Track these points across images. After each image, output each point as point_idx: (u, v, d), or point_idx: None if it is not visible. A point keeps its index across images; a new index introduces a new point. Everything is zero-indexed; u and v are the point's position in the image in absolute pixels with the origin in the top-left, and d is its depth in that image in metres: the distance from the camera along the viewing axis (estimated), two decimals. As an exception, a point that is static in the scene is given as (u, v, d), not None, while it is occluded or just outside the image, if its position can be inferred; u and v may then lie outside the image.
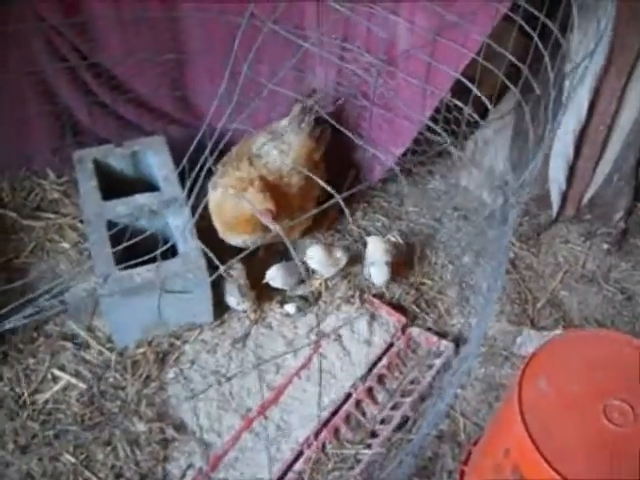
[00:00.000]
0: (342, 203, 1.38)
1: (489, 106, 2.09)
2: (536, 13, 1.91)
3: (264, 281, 2.78)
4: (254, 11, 2.97)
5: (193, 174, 1.84)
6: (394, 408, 2.49)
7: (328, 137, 3.00)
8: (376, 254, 2.86)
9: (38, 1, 2.73)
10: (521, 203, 1.64)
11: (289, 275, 2.82)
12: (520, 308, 2.85)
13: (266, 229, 2.66)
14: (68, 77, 3.00)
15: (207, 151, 1.78)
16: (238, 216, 2.70)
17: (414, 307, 2.84)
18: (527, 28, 1.96)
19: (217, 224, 2.82)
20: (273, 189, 2.69)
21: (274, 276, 2.78)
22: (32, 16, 2.75)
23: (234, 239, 2.80)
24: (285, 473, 2.30)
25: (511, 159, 3.23)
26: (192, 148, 1.89)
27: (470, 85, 2.15)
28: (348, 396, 2.51)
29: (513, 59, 1.90)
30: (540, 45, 1.85)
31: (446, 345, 2.65)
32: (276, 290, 2.84)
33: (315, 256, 2.81)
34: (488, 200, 3.25)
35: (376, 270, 2.85)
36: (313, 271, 2.88)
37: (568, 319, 2.83)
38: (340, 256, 2.86)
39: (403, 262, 2.99)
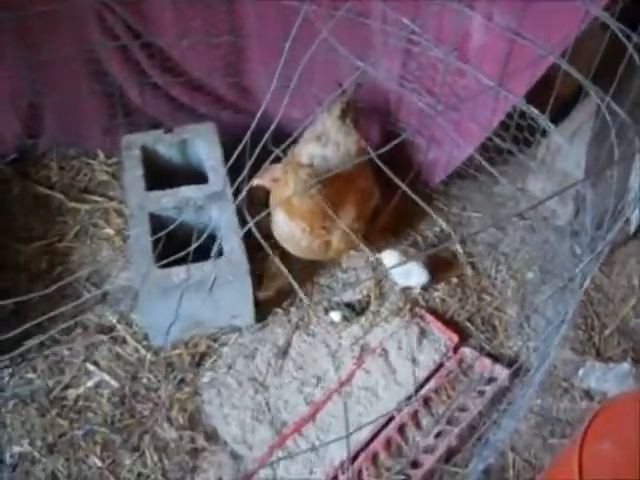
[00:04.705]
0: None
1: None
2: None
3: None
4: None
5: (243, 167, 1.67)
6: (439, 436, 2.31)
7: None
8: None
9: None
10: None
11: None
12: (585, 335, 2.60)
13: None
14: (120, 56, 2.87)
15: (247, 137, 1.57)
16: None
17: (469, 324, 2.63)
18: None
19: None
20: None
21: None
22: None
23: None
24: (317, 498, 2.18)
25: (587, 166, 2.95)
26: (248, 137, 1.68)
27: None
28: (390, 419, 2.35)
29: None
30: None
31: (500, 371, 2.44)
32: (322, 295, 2.69)
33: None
34: (558, 210, 2.98)
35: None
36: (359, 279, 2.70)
37: (638, 350, 2.58)
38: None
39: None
